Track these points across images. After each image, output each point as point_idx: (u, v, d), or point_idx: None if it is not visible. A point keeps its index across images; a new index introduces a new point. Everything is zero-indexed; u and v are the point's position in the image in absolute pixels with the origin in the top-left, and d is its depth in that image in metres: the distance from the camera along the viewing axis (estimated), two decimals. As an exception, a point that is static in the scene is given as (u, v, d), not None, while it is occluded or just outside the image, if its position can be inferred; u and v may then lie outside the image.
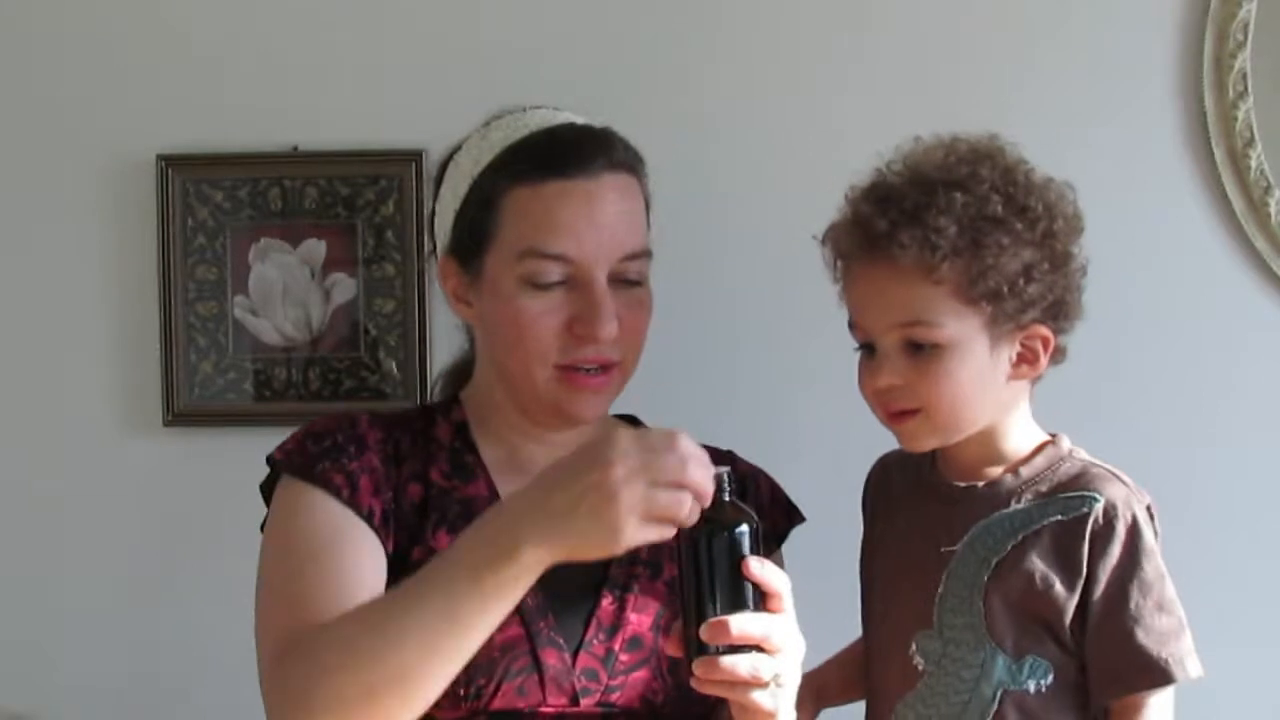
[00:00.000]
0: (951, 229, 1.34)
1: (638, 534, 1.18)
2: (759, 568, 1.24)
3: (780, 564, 1.49)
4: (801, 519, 1.57)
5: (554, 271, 1.40)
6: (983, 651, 1.37)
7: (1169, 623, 1.36)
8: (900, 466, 1.52)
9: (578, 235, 1.39)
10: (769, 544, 1.50)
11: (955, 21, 1.93)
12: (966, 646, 1.38)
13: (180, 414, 2.01)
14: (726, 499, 1.24)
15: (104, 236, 2.03)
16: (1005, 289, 1.35)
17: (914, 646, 1.40)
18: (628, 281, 1.43)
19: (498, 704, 1.35)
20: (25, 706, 2.00)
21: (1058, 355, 1.43)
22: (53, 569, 2.04)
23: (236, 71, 2.00)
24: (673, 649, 1.27)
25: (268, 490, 1.46)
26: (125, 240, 2.02)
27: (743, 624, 1.22)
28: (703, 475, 1.20)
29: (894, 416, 1.41)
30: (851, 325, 1.43)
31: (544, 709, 1.36)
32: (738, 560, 1.24)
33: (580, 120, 1.48)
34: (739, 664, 1.22)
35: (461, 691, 1.33)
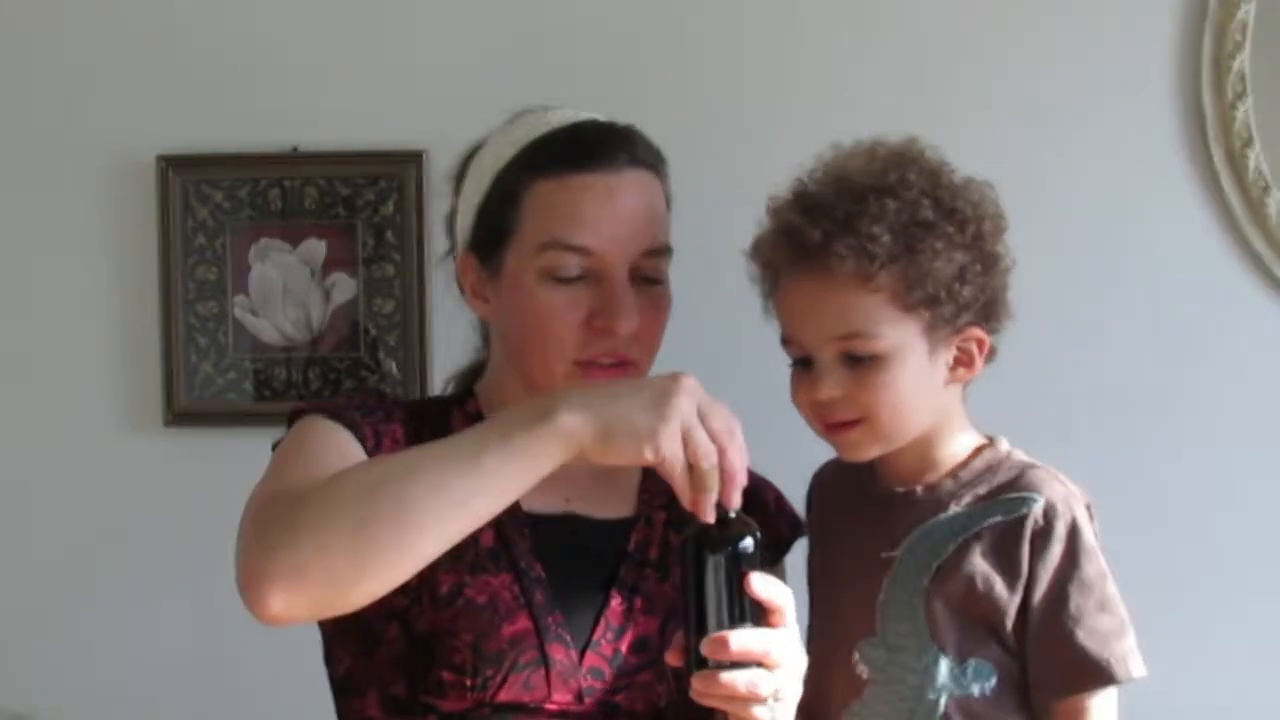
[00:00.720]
0: (886, 236, 1.32)
1: (670, 444, 1.19)
2: (761, 584, 1.24)
3: (783, 574, 1.49)
4: (805, 531, 1.55)
5: (575, 265, 1.39)
6: (926, 656, 1.35)
7: (1110, 623, 1.34)
8: (838, 476, 1.50)
9: (599, 228, 1.39)
10: (772, 554, 1.50)
11: (955, 22, 1.93)
12: (910, 652, 1.36)
13: (180, 414, 2.01)
14: (731, 513, 1.24)
15: (104, 236, 2.03)
16: (941, 293, 1.34)
17: (858, 655, 1.38)
18: (647, 279, 1.42)
19: (503, 697, 1.34)
20: (25, 706, 2.00)
21: (990, 355, 1.42)
22: (53, 568, 2.04)
23: (236, 71, 2.00)
24: (673, 659, 1.27)
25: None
26: (125, 240, 2.02)
27: (742, 640, 1.22)
28: (740, 457, 1.22)
29: (833, 428, 1.39)
30: (784, 340, 1.41)
31: (549, 705, 1.35)
32: (740, 575, 1.23)
33: (604, 118, 1.48)
34: (737, 680, 1.22)
35: (468, 682, 1.33)
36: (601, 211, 1.40)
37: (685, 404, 1.20)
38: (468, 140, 1.53)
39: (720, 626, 1.23)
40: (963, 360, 1.39)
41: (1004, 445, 1.43)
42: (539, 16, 1.97)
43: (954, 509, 1.38)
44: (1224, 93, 1.89)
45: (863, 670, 1.38)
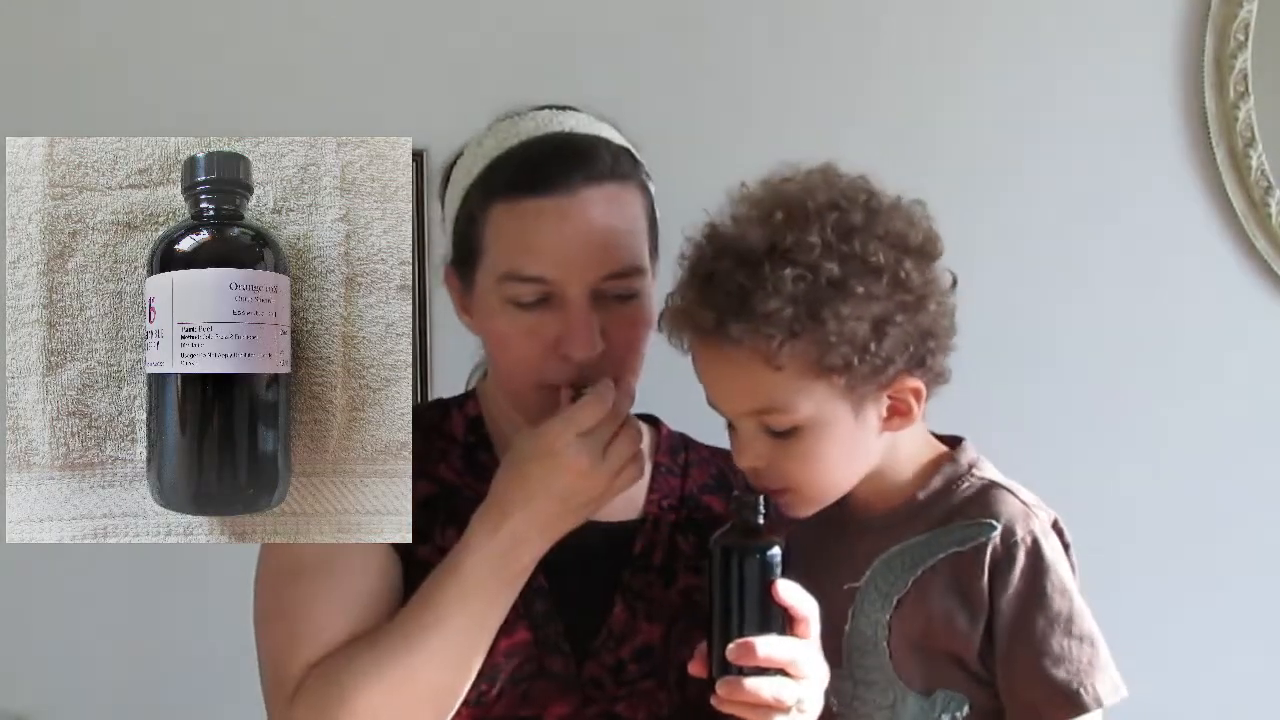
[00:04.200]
0: (786, 311, 1.22)
1: (626, 481, 1.32)
2: (788, 591, 1.23)
3: None
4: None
5: (531, 293, 1.36)
6: (893, 692, 1.30)
7: (1079, 647, 1.26)
8: None
9: (553, 256, 1.34)
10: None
11: (955, 22, 1.93)
12: (877, 688, 1.31)
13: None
14: (761, 520, 1.23)
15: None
16: (855, 357, 1.24)
17: (826, 688, 1.31)
18: (618, 297, 1.37)
19: (500, 710, 1.33)
20: (25, 707, 2.00)
21: (940, 379, 1.30)
22: (52, 568, 2.04)
23: (236, 71, 2.00)
24: (697, 669, 1.26)
25: None
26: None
27: (769, 647, 1.21)
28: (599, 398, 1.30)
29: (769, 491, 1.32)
30: (709, 402, 1.32)
31: (548, 716, 1.35)
32: (767, 583, 1.23)
33: (568, 128, 1.42)
34: (762, 687, 1.21)
35: (465, 696, 1.32)
36: (552, 238, 1.35)
37: (598, 471, 1.29)
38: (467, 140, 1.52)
39: (746, 633, 1.22)
40: (898, 409, 1.29)
41: (965, 457, 1.34)
42: (539, 16, 1.96)
43: (912, 538, 1.30)
44: (1226, 93, 1.89)
45: (832, 703, 1.31)
